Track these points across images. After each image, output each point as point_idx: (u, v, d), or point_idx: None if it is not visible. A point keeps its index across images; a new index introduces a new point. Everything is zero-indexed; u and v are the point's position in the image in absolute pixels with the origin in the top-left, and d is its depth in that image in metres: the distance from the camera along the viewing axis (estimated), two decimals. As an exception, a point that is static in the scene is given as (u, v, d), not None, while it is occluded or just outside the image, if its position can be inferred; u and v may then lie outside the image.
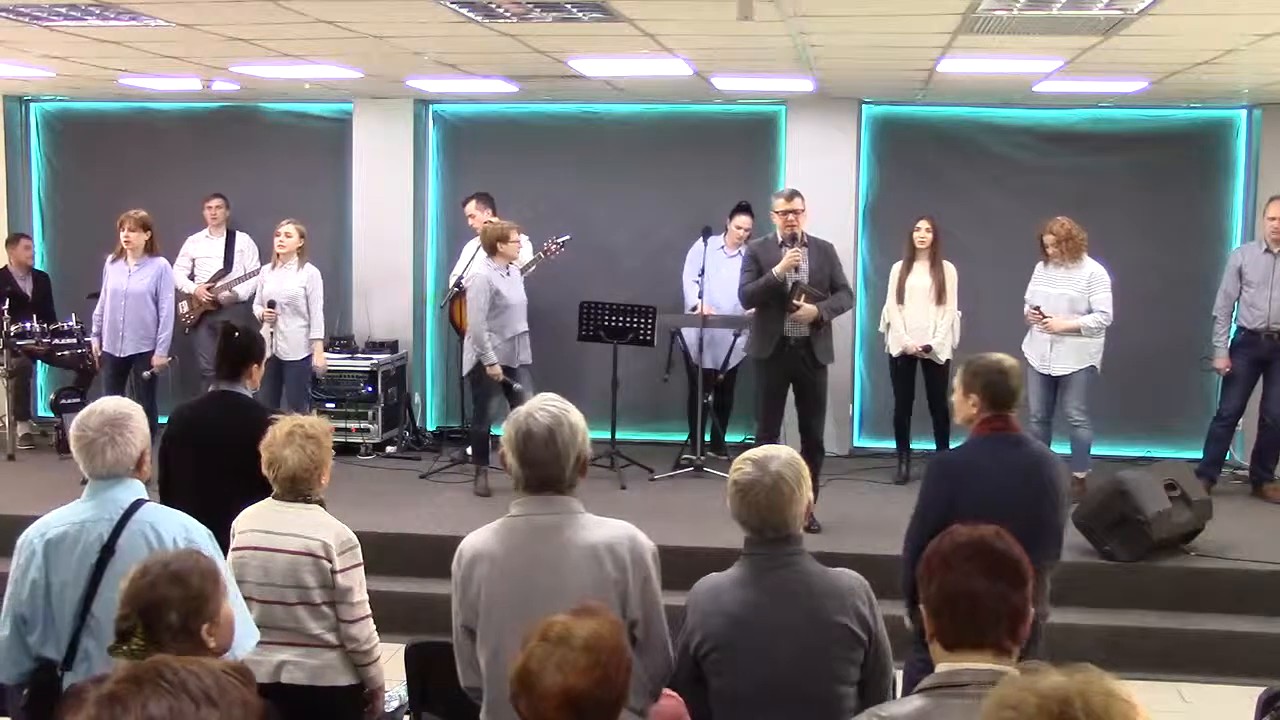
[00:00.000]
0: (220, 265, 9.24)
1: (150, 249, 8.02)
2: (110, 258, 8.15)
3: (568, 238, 8.63)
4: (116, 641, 2.77)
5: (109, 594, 3.45)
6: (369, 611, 3.98)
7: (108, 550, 3.48)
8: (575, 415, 3.20)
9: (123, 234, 7.94)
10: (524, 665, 2.39)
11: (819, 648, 3.20)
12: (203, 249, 9.31)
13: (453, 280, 8.91)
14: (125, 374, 8.07)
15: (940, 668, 2.46)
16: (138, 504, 3.57)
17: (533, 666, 2.37)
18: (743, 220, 8.82)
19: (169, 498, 4.75)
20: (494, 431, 7.92)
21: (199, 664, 1.77)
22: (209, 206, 9.30)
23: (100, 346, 8.22)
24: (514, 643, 3.05)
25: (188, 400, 5.76)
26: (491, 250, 7.73)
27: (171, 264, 8.70)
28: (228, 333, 5.09)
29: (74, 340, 8.77)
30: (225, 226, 9.36)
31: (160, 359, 8.01)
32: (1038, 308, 7.64)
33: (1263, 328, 7.77)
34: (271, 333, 8.08)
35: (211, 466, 4.49)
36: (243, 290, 8.91)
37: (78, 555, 3.49)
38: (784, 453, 3.37)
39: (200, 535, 3.60)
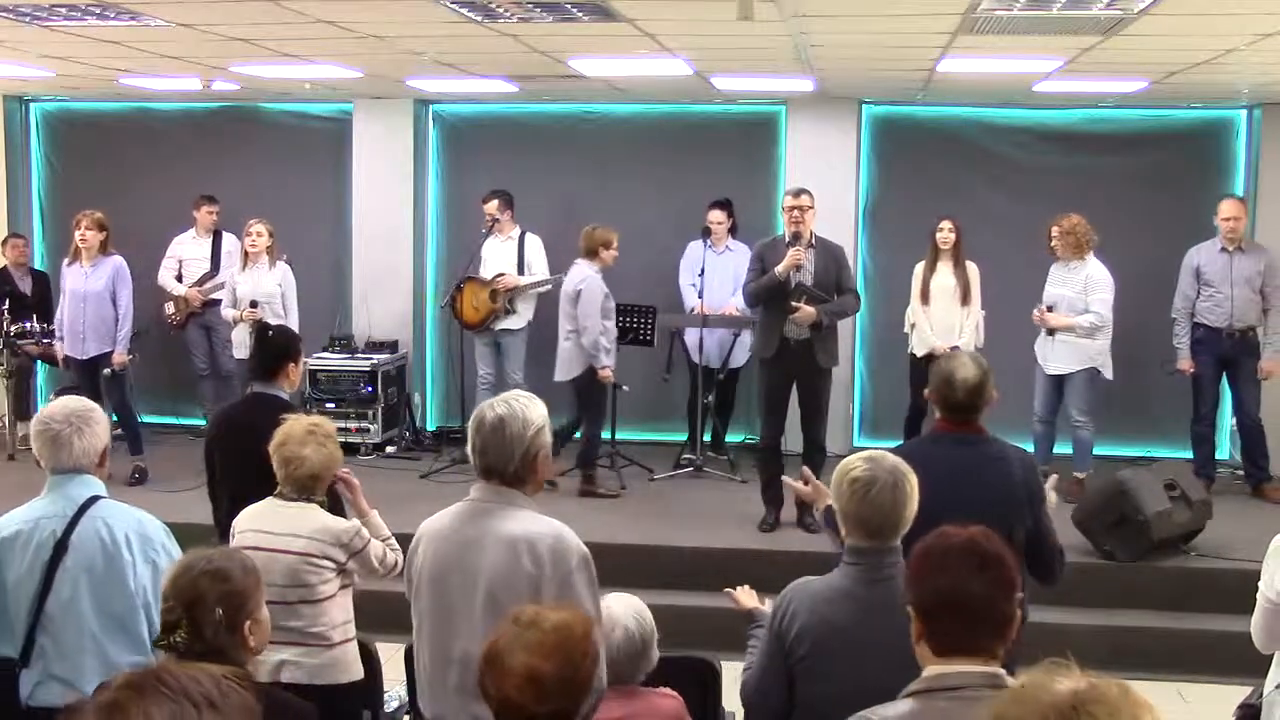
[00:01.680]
0: (208, 267, 9.24)
1: (104, 248, 8.00)
2: (66, 261, 8.14)
3: None
4: (162, 634, 2.81)
5: (63, 591, 3.48)
6: (384, 553, 4.09)
7: (61, 546, 3.50)
8: (534, 412, 3.27)
9: (78, 233, 7.93)
10: (493, 645, 2.47)
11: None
12: (189, 250, 9.31)
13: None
14: (96, 375, 8.06)
15: (929, 670, 2.45)
16: (93, 500, 3.58)
17: (501, 646, 2.45)
18: (713, 215, 8.82)
19: (214, 501, 4.78)
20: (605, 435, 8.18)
21: (199, 669, 1.77)
22: (208, 213, 9.29)
23: (64, 348, 8.25)
24: (429, 622, 3.24)
25: (228, 403, 5.76)
26: (593, 254, 7.81)
27: (154, 264, 8.76)
28: (262, 333, 5.08)
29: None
30: (211, 228, 9.36)
31: (120, 356, 7.99)
32: (1051, 308, 7.69)
33: (1225, 326, 7.83)
34: (250, 333, 8.07)
35: (248, 468, 4.49)
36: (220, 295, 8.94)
37: (31, 552, 3.51)
38: (891, 455, 3.29)
39: (155, 529, 3.62)
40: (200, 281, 9.20)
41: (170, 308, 9.25)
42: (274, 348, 4.87)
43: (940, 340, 7.97)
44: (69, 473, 3.61)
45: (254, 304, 8.17)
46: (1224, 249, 7.89)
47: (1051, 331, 7.71)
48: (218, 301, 8.92)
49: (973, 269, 8.13)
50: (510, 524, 3.21)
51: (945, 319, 8.08)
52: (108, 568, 3.52)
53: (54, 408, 3.69)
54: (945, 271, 8.12)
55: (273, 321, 8.03)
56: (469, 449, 3.32)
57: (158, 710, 1.65)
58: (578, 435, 8.23)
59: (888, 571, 3.19)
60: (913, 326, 8.26)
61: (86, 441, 3.61)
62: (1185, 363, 7.99)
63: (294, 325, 8.25)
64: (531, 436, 3.24)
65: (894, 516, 3.18)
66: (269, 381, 4.79)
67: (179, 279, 9.26)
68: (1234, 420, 8.42)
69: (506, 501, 3.26)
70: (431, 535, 3.33)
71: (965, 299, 8.07)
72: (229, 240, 9.30)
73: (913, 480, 3.22)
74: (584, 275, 7.80)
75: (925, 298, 8.14)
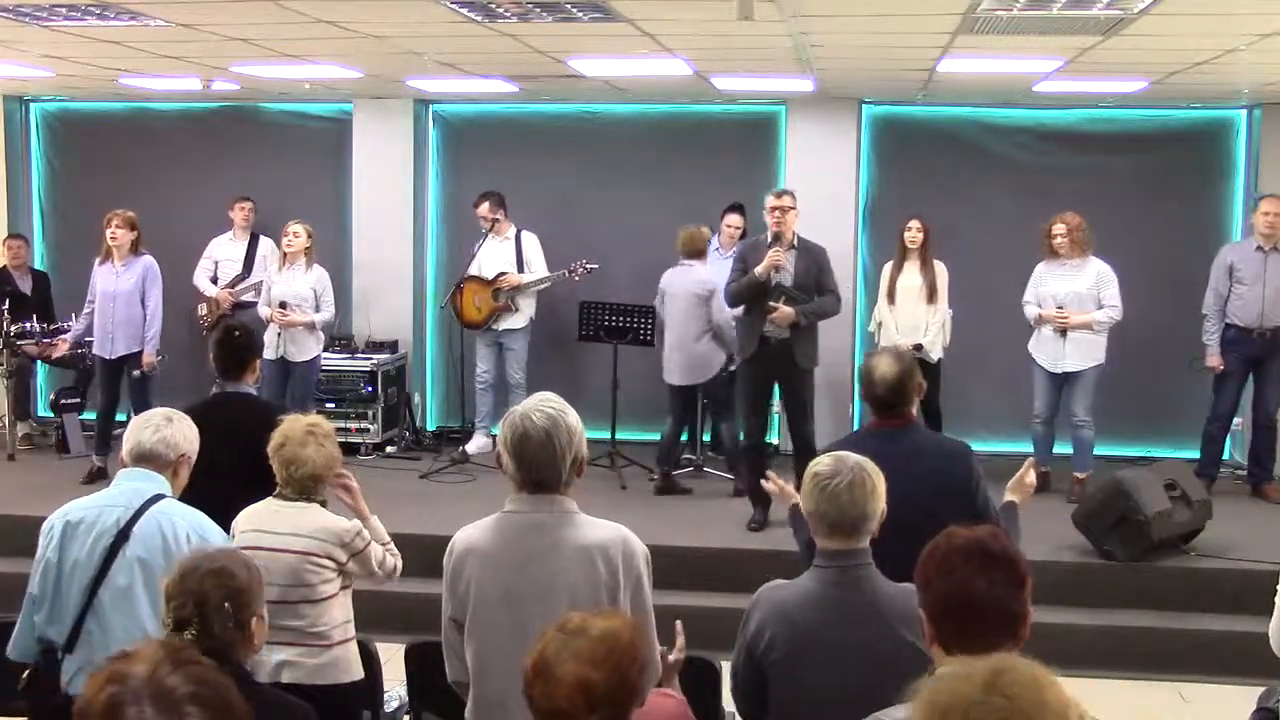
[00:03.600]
0: (240, 269, 9.24)
1: (135, 248, 8.02)
2: (98, 260, 8.14)
3: (596, 267, 8.65)
4: (174, 631, 2.84)
5: (119, 579, 3.52)
6: (384, 556, 4.13)
7: (123, 535, 3.55)
8: (572, 416, 3.20)
9: (109, 231, 7.94)
10: (540, 654, 2.44)
11: (887, 667, 3.05)
12: (226, 251, 9.31)
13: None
14: (119, 375, 8.07)
15: (940, 671, 2.45)
16: (159, 497, 3.65)
17: (549, 655, 2.42)
18: (733, 219, 8.82)
19: (181, 498, 4.77)
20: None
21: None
22: (240, 209, 9.30)
23: (68, 346, 8.40)
24: (500, 638, 3.09)
25: (193, 402, 5.75)
26: (700, 254, 8.00)
27: (189, 264, 8.89)
28: (228, 332, 5.10)
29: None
30: (250, 230, 9.36)
31: (149, 357, 7.99)
32: (1061, 308, 7.66)
33: (1256, 325, 7.80)
34: (280, 334, 8.08)
35: (220, 466, 4.49)
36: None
37: (93, 537, 3.57)
38: (856, 455, 3.32)
39: (216, 536, 3.65)
40: (232, 284, 9.20)
41: (203, 309, 9.27)
42: (240, 347, 4.97)
43: (904, 339, 7.97)
44: (141, 466, 3.69)
45: (283, 305, 8.15)
46: (1259, 248, 7.84)
47: (1064, 331, 7.68)
48: (248, 304, 8.91)
49: (940, 268, 8.15)
50: (577, 532, 3.14)
51: (910, 318, 8.10)
52: (166, 562, 3.54)
53: (152, 411, 3.90)
54: (912, 271, 8.15)
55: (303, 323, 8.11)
56: (510, 464, 3.17)
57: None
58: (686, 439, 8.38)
59: (857, 573, 3.20)
60: (879, 326, 8.29)
61: (170, 432, 3.74)
62: (1214, 359, 7.93)
63: (323, 318, 8.36)
64: (577, 443, 3.17)
65: (855, 511, 3.19)
66: (237, 380, 4.89)
67: (214, 281, 9.27)
68: (1238, 419, 8.37)
69: (561, 509, 3.17)
70: (484, 552, 3.19)
71: (931, 298, 8.08)
72: (265, 244, 9.30)
73: (877, 479, 3.24)
74: (704, 276, 7.90)
75: (891, 297, 8.17)
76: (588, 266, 8.64)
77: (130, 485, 3.67)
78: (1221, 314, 7.91)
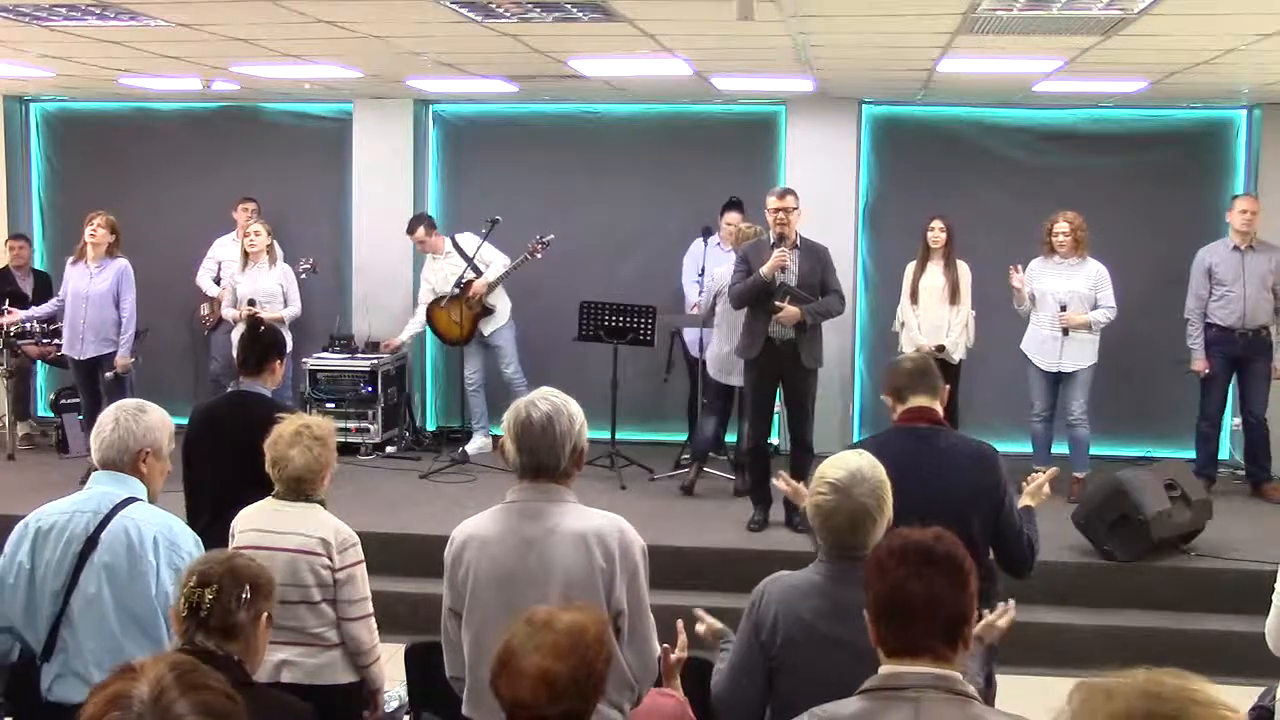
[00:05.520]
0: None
1: (111, 251, 8.03)
2: (70, 260, 8.18)
3: (552, 237, 8.65)
4: (195, 587, 2.87)
5: (89, 586, 3.51)
6: (371, 610, 3.98)
7: (91, 542, 3.53)
8: (574, 407, 3.26)
9: (89, 229, 7.98)
10: (506, 645, 2.45)
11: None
12: (229, 252, 9.31)
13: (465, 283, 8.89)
14: (94, 375, 8.11)
15: (882, 670, 2.46)
16: (128, 501, 3.61)
17: (514, 646, 2.43)
18: (732, 217, 8.76)
19: (192, 498, 4.77)
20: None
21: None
22: (244, 209, 9.32)
23: (19, 316, 8.55)
24: (495, 625, 3.08)
25: (207, 400, 5.76)
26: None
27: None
28: (253, 328, 5.06)
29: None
30: None
31: (123, 360, 8.01)
32: (1064, 307, 7.65)
33: (1238, 325, 7.81)
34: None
35: (230, 465, 4.49)
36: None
37: (63, 545, 3.56)
38: (868, 471, 3.21)
39: (185, 538, 3.64)
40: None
41: (205, 309, 9.30)
42: (264, 343, 4.91)
43: (927, 339, 7.94)
44: (110, 463, 3.67)
45: (251, 303, 8.21)
46: (1236, 248, 7.86)
47: (1065, 331, 7.67)
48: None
49: (964, 268, 8.12)
50: (573, 521, 3.18)
51: (933, 318, 8.06)
52: (131, 568, 3.54)
53: (114, 405, 3.80)
54: (935, 271, 8.10)
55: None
56: (511, 450, 3.23)
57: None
58: (731, 439, 8.37)
59: (860, 573, 3.19)
60: (902, 325, 8.26)
61: (123, 429, 3.67)
62: (1200, 363, 7.95)
63: (292, 312, 8.44)
64: (577, 431, 3.23)
65: (856, 540, 3.15)
66: (255, 377, 4.84)
67: (217, 281, 9.28)
68: (1236, 419, 8.40)
69: (558, 498, 3.22)
70: (482, 539, 3.23)
71: (954, 298, 8.05)
72: None
73: (885, 503, 3.18)
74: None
75: (914, 297, 8.14)
76: (544, 240, 8.63)
77: (100, 489, 3.64)
78: (1203, 317, 7.93)
